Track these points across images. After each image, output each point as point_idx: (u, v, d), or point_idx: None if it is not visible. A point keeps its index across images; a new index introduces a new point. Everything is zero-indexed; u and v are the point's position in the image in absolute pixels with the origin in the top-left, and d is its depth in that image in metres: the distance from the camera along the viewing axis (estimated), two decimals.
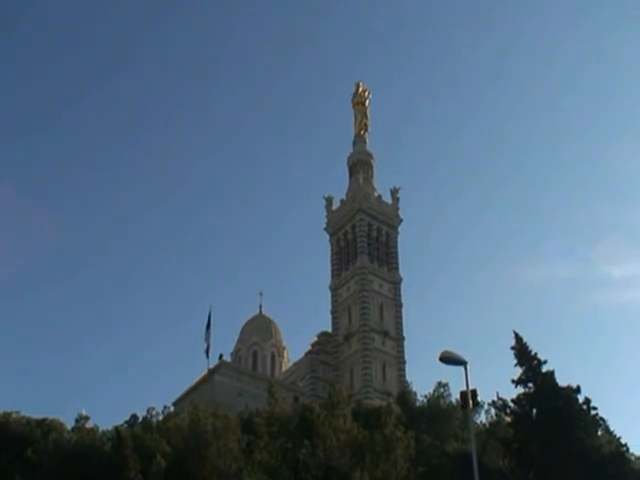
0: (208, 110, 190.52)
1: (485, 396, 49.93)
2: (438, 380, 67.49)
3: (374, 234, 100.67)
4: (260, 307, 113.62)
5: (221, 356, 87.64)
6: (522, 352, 46.20)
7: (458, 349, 25.37)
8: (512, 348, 46.45)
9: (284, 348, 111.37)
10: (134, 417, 62.72)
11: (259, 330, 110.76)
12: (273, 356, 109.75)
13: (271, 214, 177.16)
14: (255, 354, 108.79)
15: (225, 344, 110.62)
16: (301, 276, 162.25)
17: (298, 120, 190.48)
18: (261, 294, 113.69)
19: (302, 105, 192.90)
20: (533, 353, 46.14)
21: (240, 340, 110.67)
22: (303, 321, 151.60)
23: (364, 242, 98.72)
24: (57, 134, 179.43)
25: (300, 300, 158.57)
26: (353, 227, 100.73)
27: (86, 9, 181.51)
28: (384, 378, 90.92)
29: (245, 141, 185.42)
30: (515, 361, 46.17)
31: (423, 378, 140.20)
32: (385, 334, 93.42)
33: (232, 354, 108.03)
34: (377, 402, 73.24)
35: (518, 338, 46.67)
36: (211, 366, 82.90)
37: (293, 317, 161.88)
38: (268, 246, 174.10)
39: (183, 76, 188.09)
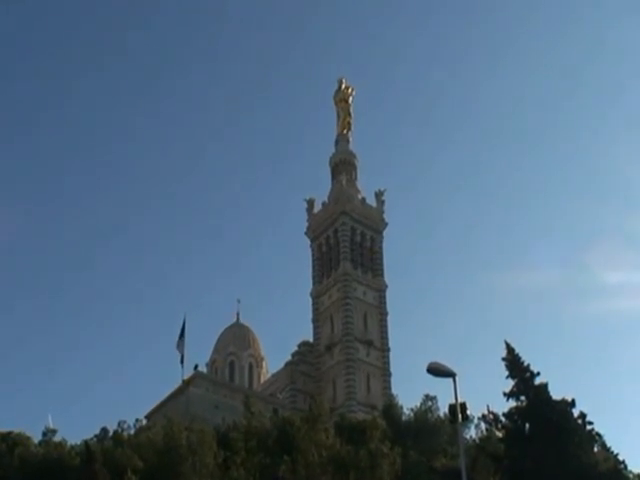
0: (188, 109, 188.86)
1: (475, 410, 48.47)
2: (425, 393, 65.81)
3: (358, 238, 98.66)
4: (237, 315, 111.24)
5: (196, 366, 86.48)
6: (514, 363, 45.02)
7: (447, 360, 24.50)
8: (503, 359, 45.28)
9: (263, 358, 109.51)
10: (104, 431, 61.99)
11: (236, 339, 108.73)
12: (251, 367, 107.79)
13: (249, 217, 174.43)
14: (232, 364, 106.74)
15: (200, 354, 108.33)
16: (281, 283, 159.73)
17: (278, 118, 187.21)
18: (239, 301, 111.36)
19: (282, 102, 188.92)
20: (526, 364, 45.02)
21: (216, 350, 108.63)
22: (283, 330, 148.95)
23: (347, 247, 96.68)
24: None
25: (280, 308, 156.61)
26: (335, 231, 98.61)
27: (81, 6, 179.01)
28: (368, 390, 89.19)
29: (222, 140, 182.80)
30: (507, 373, 44.96)
31: (410, 390, 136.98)
32: (369, 344, 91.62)
33: (208, 364, 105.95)
34: (361, 416, 71.75)
35: (510, 349, 45.51)
36: (186, 377, 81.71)
37: (272, 326, 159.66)
38: (246, 251, 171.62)
39: (159, 80, 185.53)
